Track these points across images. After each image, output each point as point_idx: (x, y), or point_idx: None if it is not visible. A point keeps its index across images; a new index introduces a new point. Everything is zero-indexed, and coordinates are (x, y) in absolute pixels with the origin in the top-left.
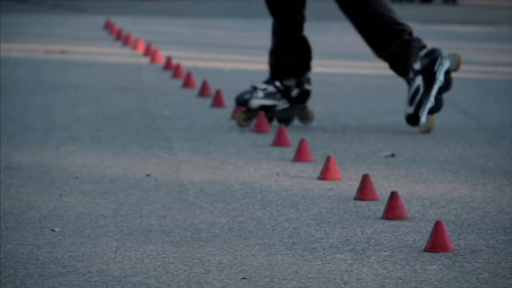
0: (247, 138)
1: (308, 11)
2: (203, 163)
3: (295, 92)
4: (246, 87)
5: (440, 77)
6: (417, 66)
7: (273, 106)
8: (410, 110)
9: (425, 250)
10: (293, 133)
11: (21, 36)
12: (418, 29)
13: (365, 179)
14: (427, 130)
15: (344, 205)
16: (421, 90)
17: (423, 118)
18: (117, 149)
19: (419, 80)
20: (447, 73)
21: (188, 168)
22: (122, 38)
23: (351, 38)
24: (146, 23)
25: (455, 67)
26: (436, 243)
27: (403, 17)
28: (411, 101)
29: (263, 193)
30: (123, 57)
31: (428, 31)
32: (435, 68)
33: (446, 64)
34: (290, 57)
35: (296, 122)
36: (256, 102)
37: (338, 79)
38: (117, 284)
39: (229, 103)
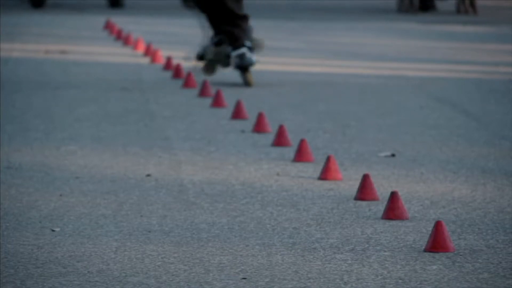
0: (247, 138)
1: (309, 11)
2: (203, 163)
3: None
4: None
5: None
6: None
7: None
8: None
9: (425, 250)
10: (293, 133)
11: (21, 36)
12: (419, 29)
13: (365, 179)
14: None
15: (344, 205)
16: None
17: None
18: (117, 149)
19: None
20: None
21: (189, 168)
22: (122, 38)
23: (351, 38)
24: (146, 23)
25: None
26: (436, 243)
27: (404, 18)
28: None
29: (263, 193)
30: (124, 57)
31: (428, 31)
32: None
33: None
34: None
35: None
36: None
37: (338, 79)
38: (117, 284)
39: (230, 103)
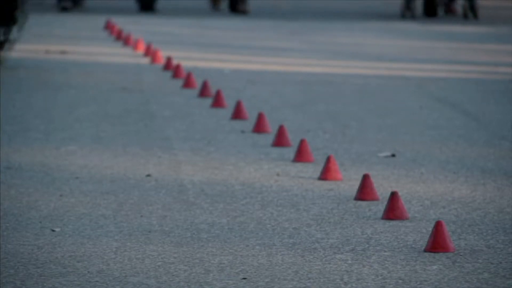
0: (247, 138)
1: (309, 10)
2: (203, 163)
3: None
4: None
5: None
6: None
7: None
8: None
9: (426, 250)
10: (293, 133)
11: (21, 36)
12: (418, 29)
13: (365, 179)
14: None
15: (344, 205)
16: None
17: None
18: (117, 149)
19: None
20: None
21: (188, 168)
22: (122, 38)
23: (351, 38)
24: (146, 23)
25: None
26: (436, 243)
27: (403, 19)
28: None
29: (264, 193)
30: (124, 57)
31: (428, 31)
32: None
33: None
34: None
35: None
36: None
37: (338, 79)
38: (117, 284)
39: (230, 103)
